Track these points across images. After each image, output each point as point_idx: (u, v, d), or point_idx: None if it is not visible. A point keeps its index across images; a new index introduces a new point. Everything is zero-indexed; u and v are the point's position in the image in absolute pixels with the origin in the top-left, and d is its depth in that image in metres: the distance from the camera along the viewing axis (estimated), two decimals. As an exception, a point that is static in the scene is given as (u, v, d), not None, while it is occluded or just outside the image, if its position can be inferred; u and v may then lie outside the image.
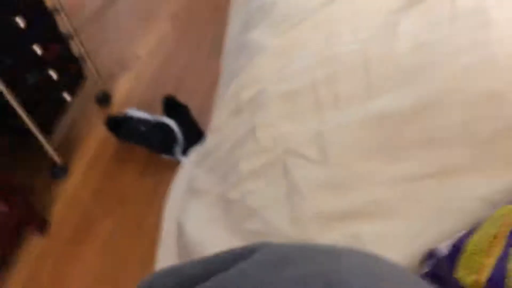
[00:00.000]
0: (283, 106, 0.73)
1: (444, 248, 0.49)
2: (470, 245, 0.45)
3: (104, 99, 1.84)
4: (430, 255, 0.50)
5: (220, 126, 0.84)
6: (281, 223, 0.59)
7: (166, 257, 0.80)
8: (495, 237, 0.42)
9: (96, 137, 1.75)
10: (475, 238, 0.45)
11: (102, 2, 2.21)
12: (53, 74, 1.54)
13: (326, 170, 0.61)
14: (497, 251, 0.41)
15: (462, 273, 0.43)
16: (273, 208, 0.63)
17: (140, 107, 1.80)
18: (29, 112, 1.37)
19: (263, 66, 0.81)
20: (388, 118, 0.62)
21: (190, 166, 0.94)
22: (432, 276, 0.48)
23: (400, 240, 0.52)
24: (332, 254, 0.25)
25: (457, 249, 0.46)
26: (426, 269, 0.50)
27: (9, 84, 1.28)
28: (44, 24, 1.52)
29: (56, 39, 1.58)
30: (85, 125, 1.79)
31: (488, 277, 0.40)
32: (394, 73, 0.67)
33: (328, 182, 0.61)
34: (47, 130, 1.50)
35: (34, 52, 1.43)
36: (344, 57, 0.72)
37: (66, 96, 1.62)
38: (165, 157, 1.58)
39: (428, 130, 0.60)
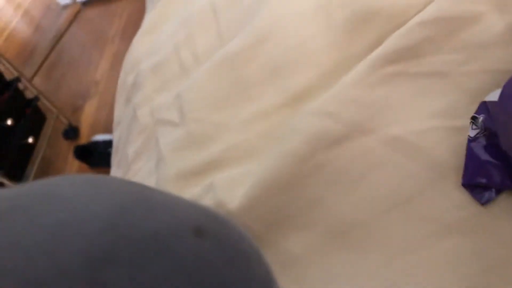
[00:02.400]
0: (155, 79, 0.73)
1: (492, 97, 0.42)
2: None
3: (71, 133, 1.88)
4: (475, 118, 0.44)
5: (119, 120, 0.84)
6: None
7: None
8: None
9: (72, 170, 1.79)
10: None
11: (50, 42, 2.27)
12: (9, 122, 1.59)
13: (184, 129, 0.60)
14: None
15: None
16: (147, 182, 0.62)
17: (107, 130, 1.83)
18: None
19: (138, 49, 0.82)
20: (231, 60, 0.60)
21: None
22: (484, 137, 0.42)
23: (248, 181, 0.51)
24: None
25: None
26: (471, 135, 0.43)
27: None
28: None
29: (2, 88, 1.63)
30: (58, 162, 1.84)
31: None
32: (239, 16, 0.65)
33: (186, 140, 0.60)
34: (16, 177, 1.56)
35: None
36: (197, 15, 0.72)
37: (30, 140, 1.67)
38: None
39: (270, 60, 0.58)
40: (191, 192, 0.55)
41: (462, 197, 0.42)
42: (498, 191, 0.41)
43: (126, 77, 0.82)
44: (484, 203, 0.41)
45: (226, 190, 0.52)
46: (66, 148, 1.86)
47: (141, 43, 0.82)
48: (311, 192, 0.49)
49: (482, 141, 0.42)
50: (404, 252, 0.42)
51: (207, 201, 0.53)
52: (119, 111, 0.84)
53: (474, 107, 0.45)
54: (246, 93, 0.58)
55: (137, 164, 0.69)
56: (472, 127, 0.43)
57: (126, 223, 0.22)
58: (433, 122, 0.46)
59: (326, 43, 0.56)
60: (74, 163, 1.75)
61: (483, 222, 0.40)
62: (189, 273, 0.21)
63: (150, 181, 0.62)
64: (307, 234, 0.48)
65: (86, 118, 1.95)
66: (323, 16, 0.57)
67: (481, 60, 0.46)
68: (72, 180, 0.25)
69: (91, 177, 0.25)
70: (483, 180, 0.40)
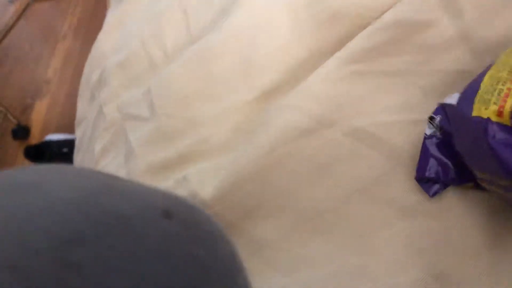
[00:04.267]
0: (122, 75, 0.74)
1: (451, 100, 0.45)
2: (485, 80, 0.40)
3: (21, 132, 1.82)
4: (432, 118, 0.48)
5: (82, 118, 0.84)
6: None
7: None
8: None
9: (21, 172, 1.73)
10: (489, 73, 0.40)
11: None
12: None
13: (155, 124, 0.62)
14: None
15: (479, 109, 0.38)
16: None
17: (60, 130, 1.78)
18: None
19: (103, 45, 0.82)
20: (203, 56, 0.63)
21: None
22: (439, 136, 0.46)
23: (220, 172, 0.53)
24: None
25: (471, 89, 0.41)
26: (427, 133, 0.48)
27: None
28: None
29: None
30: (8, 163, 1.77)
31: None
32: (209, 12, 0.68)
33: (157, 134, 0.62)
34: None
35: None
36: (165, 11, 0.73)
37: (-25, 139, 1.60)
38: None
39: (241, 58, 0.61)
40: (163, 185, 0.57)
41: (416, 183, 0.47)
42: (446, 186, 0.46)
43: (91, 73, 0.82)
44: (432, 195, 0.46)
45: (199, 182, 0.54)
46: (16, 149, 1.79)
47: (105, 40, 0.83)
48: (280, 182, 0.52)
49: (437, 139, 0.47)
50: (369, 233, 0.46)
51: (180, 193, 0.55)
52: (83, 108, 0.84)
53: (428, 102, 0.50)
54: (217, 88, 0.61)
55: (104, 160, 0.70)
56: (429, 126, 0.48)
57: (94, 205, 0.23)
58: (392, 115, 0.51)
59: (294, 40, 0.60)
60: (25, 164, 1.69)
61: (433, 206, 0.45)
62: (156, 251, 0.22)
63: (119, 175, 0.63)
64: (277, 221, 0.51)
65: (37, 118, 1.89)
66: (291, 14, 0.61)
67: (435, 61, 0.51)
68: (36, 168, 0.25)
69: (56, 165, 0.26)
70: (433, 175, 0.46)
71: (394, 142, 0.50)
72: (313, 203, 0.50)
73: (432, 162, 0.47)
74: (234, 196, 0.53)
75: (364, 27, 0.56)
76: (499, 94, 0.37)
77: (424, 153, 0.47)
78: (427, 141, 0.47)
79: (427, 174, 0.46)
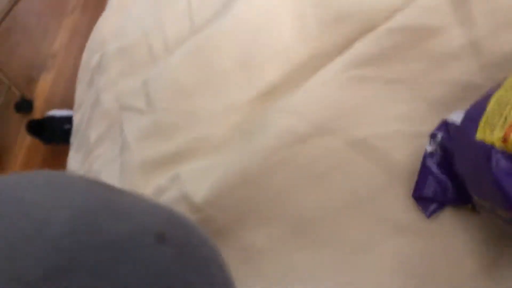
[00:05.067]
0: (121, 62, 0.72)
1: (455, 117, 0.43)
2: (492, 102, 0.38)
3: (24, 106, 1.81)
4: (433, 135, 0.46)
5: (81, 102, 0.83)
6: (113, 181, 0.59)
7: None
8: None
9: (22, 146, 1.73)
10: (498, 93, 0.38)
11: (3, 7, 2.15)
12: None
13: (152, 117, 0.61)
14: None
15: (483, 133, 0.36)
16: (110, 168, 0.62)
17: (63, 106, 1.77)
18: None
19: (104, 28, 0.80)
20: (203, 49, 0.61)
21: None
22: (439, 154, 0.44)
23: (214, 173, 0.52)
24: None
25: (477, 109, 0.39)
26: (428, 150, 0.46)
27: None
28: None
29: None
30: (9, 136, 1.77)
31: None
32: (212, 4, 0.66)
33: (154, 129, 0.60)
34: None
35: None
36: (169, 1, 0.71)
37: (-22, 112, 1.60)
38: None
39: (242, 52, 0.59)
40: (156, 183, 0.56)
41: (413, 200, 0.46)
42: (443, 205, 0.44)
43: (90, 56, 0.81)
44: (429, 215, 0.44)
45: (192, 183, 0.53)
46: (18, 122, 1.79)
47: (107, 23, 0.81)
48: (275, 188, 0.51)
49: (437, 158, 0.45)
50: (359, 250, 0.45)
51: (173, 193, 0.54)
52: (81, 92, 0.83)
53: (432, 114, 0.48)
54: (217, 83, 0.59)
55: (99, 149, 0.69)
56: (430, 142, 0.46)
57: (87, 229, 0.22)
58: (394, 126, 0.50)
59: (298, 40, 0.58)
60: (26, 139, 1.69)
61: (429, 227, 0.44)
62: (150, 280, 0.22)
63: (113, 168, 0.62)
64: (269, 229, 0.50)
65: (41, 92, 1.88)
66: (295, 13, 0.58)
67: (442, 70, 0.49)
68: (31, 180, 0.24)
69: (53, 177, 0.25)
70: (431, 194, 0.44)
71: (393, 156, 0.48)
72: (306, 213, 0.49)
73: (430, 180, 0.45)
74: (226, 200, 0.52)
75: (371, 30, 0.53)
76: (505, 120, 0.35)
77: (423, 171, 0.45)
78: (428, 159, 0.46)
79: (425, 192, 0.45)
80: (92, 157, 0.69)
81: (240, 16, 0.60)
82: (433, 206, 0.44)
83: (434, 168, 0.45)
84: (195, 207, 0.52)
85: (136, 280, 0.21)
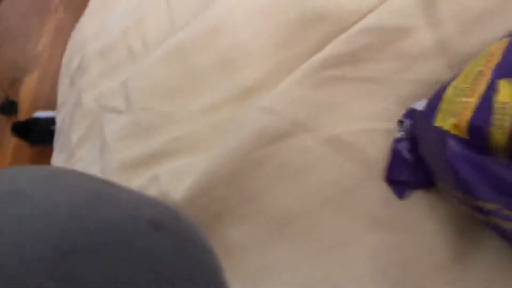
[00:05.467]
0: (101, 63, 0.73)
1: (419, 106, 0.46)
2: (449, 90, 0.40)
3: (9, 107, 1.80)
4: (401, 122, 0.49)
5: (63, 102, 0.83)
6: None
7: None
8: (479, 74, 0.37)
9: (8, 148, 1.72)
10: (454, 83, 0.41)
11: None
12: None
13: (131, 118, 0.62)
14: (482, 88, 0.35)
15: (441, 119, 0.39)
16: (91, 170, 0.63)
17: (49, 107, 1.76)
18: None
19: (85, 29, 0.80)
20: (182, 49, 0.62)
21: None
22: (407, 139, 0.47)
23: (193, 173, 0.53)
24: None
25: (436, 98, 0.42)
26: (396, 136, 0.49)
27: None
28: None
29: None
30: (-6, 139, 1.76)
31: (471, 116, 0.35)
32: (192, 4, 0.66)
33: (132, 129, 0.61)
34: None
35: None
36: (149, 2, 0.72)
37: (-38, 114, 1.59)
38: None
39: (222, 53, 0.60)
40: (136, 183, 0.57)
41: (389, 194, 0.47)
42: (413, 187, 0.46)
43: (71, 58, 0.81)
44: (401, 197, 0.46)
45: (171, 182, 0.54)
46: (3, 124, 1.78)
47: (88, 24, 0.81)
48: (253, 185, 0.52)
49: (405, 143, 0.47)
50: (336, 245, 0.47)
51: (152, 192, 0.55)
52: (63, 92, 0.83)
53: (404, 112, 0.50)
54: (196, 84, 0.60)
55: (80, 150, 0.69)
56: (398, 129, 0.47)
57: (88, 216, 0.23)
58: (368, 124, 0.51)
59: (274, 41, 0.59)
60: (10, 140, 1.68)
61: (403, 220, 0.45)
62: (146, 262, 0.23)
63: (94, 169, 0.63)
64: (248, 225, 0.51)
65: (26, 93, 1.86)
66: (271, 15, 0.59)
67: (412, 70, 0.50)
68: (31, 173, 0.25)
69: (51, 171, 0.26)
70: (402, 177, 0.46)
71: (369, 152, 0.49)
72: (284, 210, 0.50)
73: (400, 164, 0.47)
74: (205, 198, 0.53)
75: (344, 31, 0.55)
76: (459, 107, 0.37)
77: (394, 156, 0.47)
78: (397, 144, 0.47)
79: (396, 175, 0.46)
80: (74, 160, 0.69)
81: (218, 18, 0.61)
82: (404, 189, 0.46)
83: (403, 152, 0.46)
84: (173, 205, 0.53)
85: (134, 265, 0.23)
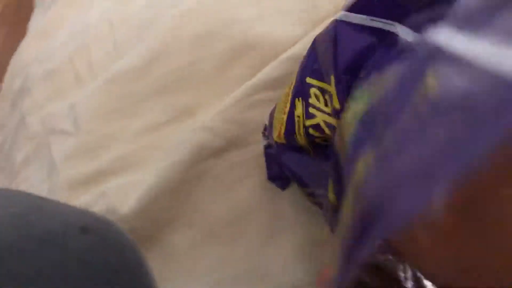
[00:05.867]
0: (47, 87, 0.76)
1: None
2: (276, 109, 0.52)
3: None
4: (263, 133, 0.59)
5: (4, 123, 0.84)
6: (41, 202, 0.62)
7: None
8: (287, 94, 0.47)
9: None
10: (279, 103, 0.51)
11: None
12: None
13: (78, 139, 0.65)
14: (288, 106, 0.46)
15: (274, 133, 0.51)
16: (38, 190, 0.65)
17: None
18: None
19: (26, 54, 0.83)
20: (122, 77, 0.67)
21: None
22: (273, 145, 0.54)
23: (139, 187, 0.58)
24: None
25: (271, 116, 0.55)
26: (263, 144, 0.59)
27: None
28: None
29: None
30: None
31: (284, 130, 0.47)
32: (133, 31, 0.72)
33: (79, 150, 0.65)
34: None
35: None
36: (93, 26, 0.76)
37: None
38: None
39: (161, 78, 0.66)
40: (84, 200, 0.61)
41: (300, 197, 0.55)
42: (289, 181, 0.57)
43: (12, 80, 0.83)
44: (283, 188, 0.57)
45: (117, 197, 0.59)
46: None
47: (30, 47, 0.83)
48: (194, 197, 0.59)
49: (274, 148, 0.56)
50: (263, 243, 0.55)
51: (99, 207, 0.59)
52: (4, 114, 0.84)
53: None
54: (134, 108, 0.66)
55: (26, 172, 0.71)
56: (263, 138, 0.59)
57: (26, 224, 0.28)
58: None
59: (212, 67, 0.66)
60: None
61: (311, 216, 0.54)
62: (78, 260, 0.29)
63: (42, 189, 0.65)
64: (189, 232, 0.58)
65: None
66: (209, 42, 0.66)
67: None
68: None
69: None
70: (277, 174, 0.57)
71: None
72: (220, 217, 0.57)
73: (273, 164, 0.57)
74: (151, 210, 0.58)
75: (275, 58, 0.63)
76: (279, 122, 0.49)
77: (267, 158, 0.58)
78: (267, 149, 0.58)
79: (272, 173, 0.57)
80: (20, 179, 0.71)
81: (153, 49, 0.68)
82: (282, 182, 0.57)
83: (273, 155, 0.56)
84: (122, 219, 0.57)
85: (67, 262, 0.28)
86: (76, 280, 0.28)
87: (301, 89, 0.43)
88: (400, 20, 0.33)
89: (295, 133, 0.45)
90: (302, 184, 0.49)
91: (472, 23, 0.16)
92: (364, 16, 0.35)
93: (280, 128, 0.48)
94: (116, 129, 0.65)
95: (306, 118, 0.42)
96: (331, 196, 0.36)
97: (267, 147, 0.58)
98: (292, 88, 0.46)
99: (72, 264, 0.28)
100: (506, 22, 0.14)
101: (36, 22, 0.88)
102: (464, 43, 0.15)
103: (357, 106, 0.26)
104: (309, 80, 0.42)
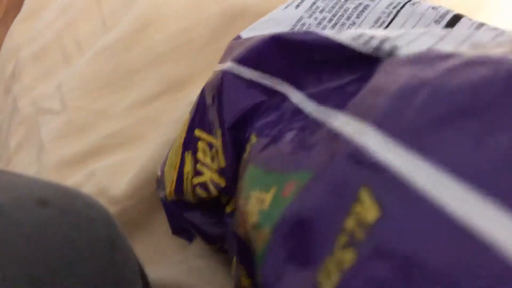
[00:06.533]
0: (36, 68, 0.72)
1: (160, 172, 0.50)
2: (167, 161, 0.46)
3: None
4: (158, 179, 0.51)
5: (-1, 111, 0.82)
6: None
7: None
8: (179, 146, 0.42)
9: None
10: (170, 154, 0.45)
11: None
12: None
13: (66, 117, 0.62)
14: (178, 161, 0.41)
15: (166, 188, 0.45)
16: (28, 171, 0.62)
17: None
18: None
19: (17, 35, 0.80)
20: (112, 48, 0.62)
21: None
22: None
23: (131, 167, 0.54)
24: None
25: (163, 164, 0.48)
26: (161, 196, 0.50)
27: None
28: None
29: None
30: None
31: (174, 187, 0.41)
32: (122, 3, 0.67)
33: (68, 129, 0.61)
34: None
35: None
36: (79, 2, 0.72)
37: None
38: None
39: (150, 49, 0.61)
40: (73, 180, 0.57)
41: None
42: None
43: (5, 65, 0.80)
44: (190, 241, 0.50)
45: (109, 178, 0.55)
46: None
47: (20, 30, 0.80)
48: None
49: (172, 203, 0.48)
50: None
51: (88, 188, 0.55)
52: (-1, 102, 0.82)
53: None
54: (126, 80, 0.61)
55: (19, 156, 0.68)
56: (158, 190, 0.51)
57: None
58: None
59: (207, 33, 0.61)
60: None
61: None
62: (31, 236, 0.25)
63: (31, 171, 0.62)
64: None
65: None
66: (200, 8, 0.61)
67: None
68: None
69: None
70: (181, 226, 0.49)
71: None
72: None
73: (177, 218, 0.48)
74: (144, 191, 0.54)
75: None
76: (170, 179, 0.43)
77: (167, 213, 0.49)
78: (165, 203, 0.49)
79: (177, 227, 0.49)
80: (13, 164, 0.68)
81: (146, 13, 0.63)
82: (188, 235, 0.50)
83: (173, 209, 0.47)
84: (113, 200, 0.54)
85: (17, 238, 0.24)
86: (26, 260, 0.24)
87: (189, 142, 0.38)
88: (294, 81, 0.28)
89: (183, 192, 0.40)
90: (209, 242, 0.43)
91: (414, 137, 0.13)
92: (254, 71, 0.31)
93: (171, 185, 0.42)
94: (106, 105, 0.61)
95: (194, 175, 0.37)
96: (243, 280, 0.29)
97: (164, 200, 0.50)
98: (182, 140, 0.40)
99: (22, 241, 0.24)
100: (452, 144, 0.12)
101: (26, 5, 0.85)
102: (408, 164, 0.12)
103: (261, 196, 0.22)
104: (197, 132, 0.37)
